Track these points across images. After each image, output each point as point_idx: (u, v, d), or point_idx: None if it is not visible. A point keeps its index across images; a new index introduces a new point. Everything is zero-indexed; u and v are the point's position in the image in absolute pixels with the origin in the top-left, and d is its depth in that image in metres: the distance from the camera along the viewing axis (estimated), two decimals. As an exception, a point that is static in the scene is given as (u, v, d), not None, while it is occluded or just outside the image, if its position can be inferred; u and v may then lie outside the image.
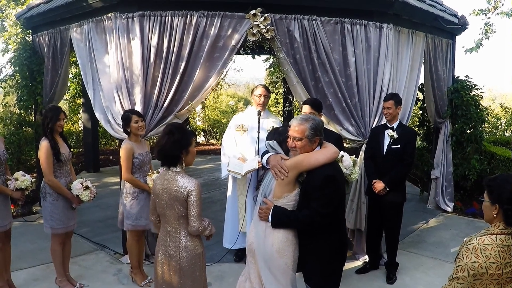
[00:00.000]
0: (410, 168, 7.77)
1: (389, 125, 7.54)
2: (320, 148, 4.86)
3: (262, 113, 7.90)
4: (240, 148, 7.99)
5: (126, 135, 7.17)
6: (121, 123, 7.21)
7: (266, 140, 5.16)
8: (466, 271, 3.47)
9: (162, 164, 4.85)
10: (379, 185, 7.37)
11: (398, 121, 7.58)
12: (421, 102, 11.72)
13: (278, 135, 5.19)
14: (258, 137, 7.74)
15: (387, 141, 7.48)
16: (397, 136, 7.36)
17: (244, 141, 7.99)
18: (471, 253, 3.48)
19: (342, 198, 4.98)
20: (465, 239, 3.73)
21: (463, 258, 3.52)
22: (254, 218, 5.03)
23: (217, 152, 19.25)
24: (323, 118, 7.73)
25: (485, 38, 12.96)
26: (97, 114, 8.55)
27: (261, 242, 4.81)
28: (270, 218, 4.75)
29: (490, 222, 3.68)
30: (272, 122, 8.03)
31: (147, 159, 7.21)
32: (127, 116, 7.00)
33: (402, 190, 7.61)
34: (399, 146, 7.38)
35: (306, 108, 7.04)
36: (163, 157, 4.77)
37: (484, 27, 12.66)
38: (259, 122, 7.79)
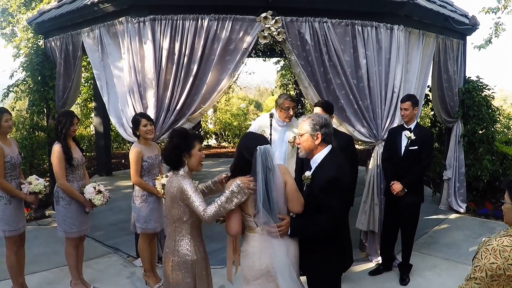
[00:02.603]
0: (427, 169, 7.78)
1: (406, 126, 7.52)
2: (331, 146, 4.85)
3: (288, 122, 8.07)
4: None
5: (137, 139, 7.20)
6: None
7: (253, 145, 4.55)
8: (484, 272, 3.46)
9: (169, 169, 4.90)
10: (397, 187, 7.36)
11: (415, 122, 7.55)
12: (432, 103, 11.67)
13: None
14: (271, 139, 7.77)
15: (404, 142, 7.46)
16: (414, 137, 7.34)
17: None
18: (490, 254, 3.47)
19: (348, 199, 4.97)
20: (483, 239, 3.71)
21: (481, 258, 3.50)
22: (263, 241, 4.64)
23: (229, 155, 19.24)
24: (335, 120, 7.74)
25: (495, 36, 12.93)
26: (111, 118, 8.60)
27: (285, 259, 4.65)
28: (289, 231, 4.66)
29: (510, 224, 3.66)
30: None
31: (156, 163, 7.23)
32: (136, 120, 7.04)
33: (419, 191, 7.61)
34: (416, 147, 7.35)
35: (317, 110, 7.03)
36: (165, 161, 4.85)
37: (494, 26, 12.62)
38: (271, 125, 7.81)
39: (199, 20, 7.62)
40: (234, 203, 4.39)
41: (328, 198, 4.54)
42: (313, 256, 4.85)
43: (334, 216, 4.58)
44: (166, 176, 6.76)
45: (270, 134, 7.79)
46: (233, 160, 4.67)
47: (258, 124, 8.33)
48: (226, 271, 5.08)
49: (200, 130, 18.87)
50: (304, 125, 4.82)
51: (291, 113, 7.96)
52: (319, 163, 4.78)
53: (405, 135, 7.45)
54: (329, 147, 4.83)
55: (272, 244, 4.59)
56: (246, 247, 4.67)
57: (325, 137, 4.79)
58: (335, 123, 7.69)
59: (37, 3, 17.77)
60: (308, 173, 4.82)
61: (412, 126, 7.50)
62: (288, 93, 10.62)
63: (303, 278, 5.01)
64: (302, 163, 7.25)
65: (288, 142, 8.07)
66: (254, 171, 4.44)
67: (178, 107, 7.76)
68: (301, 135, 4.84)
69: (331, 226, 4.63)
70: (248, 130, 8.45)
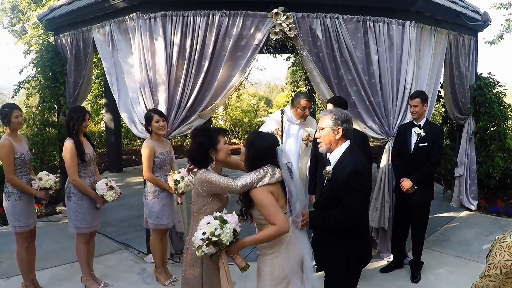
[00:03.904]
0: (437, 165, 7.73)
1: (416, 123, 7.49)
2: (350, 142, 4.87)
3: (303, 121, 8.07)
4: None
5: (149, 135, 7.21)
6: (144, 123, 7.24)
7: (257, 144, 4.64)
8: (498, 269, 3.43)
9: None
10: (407, 184, 7.33)
11: (425, 118, 7.52)
12: (443, 100, 11.61)
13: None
14: (281, 140, 7.77)
15: (414, 139, 7.42)
16: (424, 134, 7.32)
17: None
18: (504, 251, 3.44)
19: (369, 194, 4.97)
20: (497, 236, 3.68)
21: (496, 255, 3.47)
22: (292, 234, 4.62)
23: (239, 152, 19.27)
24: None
25: (506, 32, 12.88)
26: (122, 114, 8.62)
27: (310, 250, 4.78)
28: (309, 224, 4.74)
29: None
30: (311, 129, 8.06)
31: (168, 159, 7.25)
32: (149, 115, 7.06)
33: (429, 188, 7.57)
34: (426, 144, 7.32)
35: (330, 107, 7.01)
36: (192, 162, 4.89)
37: (506, 22, 12.58)
38: (282, 121, 7.79)
39: (210, 16, 7.61)
40: (264, 182, 4.39)
41: (349, 192, 4.59)
42: (333, 251, 4.88)
43: (355, 209, 4.61)
44: (179, 172, 6.81)
45: (282, 131, 7.78)
46: (249, 159, 4.59)
47: (273, 120, 8.30)
48: None
49: (210, 126, 18.90)
50: (325, 119, 4.83)
51: (307, 113, 7.95)
52: (339, 158, 4.80)
53: (415, 132, 7.42)
54: (348, 142, 4.87)
55: (299, 236, 4.64)
56: (274, 246, 4.58)
57: (345, 132, 4.83)
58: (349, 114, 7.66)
59: (47, 0, 17.83)
60: (329, 168, 4.82)
61: (422, 122, 7.48)
62: (305, 92, 10.55)
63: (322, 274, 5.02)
64: (316, 160, 7.25)
65: (302, 140, 8.07)
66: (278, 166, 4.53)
67: (189, 104, 7.76)
68: (321, 129, 4.86)
69: (351, 220, 4.65)
70: (262, 126, 8.43)
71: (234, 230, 4.38)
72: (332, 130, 4.78)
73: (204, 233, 4.30)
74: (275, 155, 4.51)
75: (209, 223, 4.37)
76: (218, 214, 4.47)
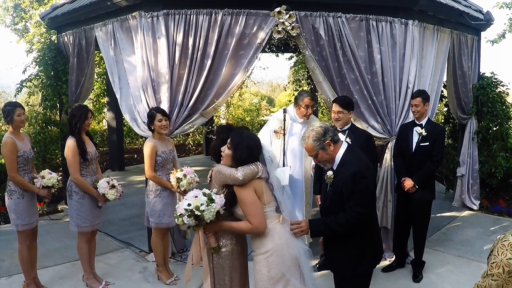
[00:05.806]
0: (439, 165, 7.72)
1: (417, 122, 7.47)
2: (345, 143, 4.89)
3: (306, 120, 7.95)
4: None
5: (151, 133, 7.20)
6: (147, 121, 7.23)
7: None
8: (501, 268, 3.42)
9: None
10: (408, 183, 7.33)
11: (427, 118, 7.51)
12: (446, 99, 11.59)
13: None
14: (284, 139, 7.74)
15: (415, 138, 7.41)
16: (425, 133, 7.30)
17: (277, 146, 7.94)
18: (507, 249, 3.43)
19: (374, 194, 4.95)
20: (498, 236, 3.67)
21: (498, 254, 3.46)
22: (285, 229, 4.69)
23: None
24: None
25: (509, 32, 12.85)
26: (124, 113, 8.60)
27: (305, 247, 4.78)
28: (310, 231, 4.75)
29: None
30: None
31: (170, 157, 7.25)
32: (152, 114, 7.06)
33: (431, 188, 7.56)
34: (428, 143, 7.31)
35: (335, 107, 7.02)
36: (216, 159, 4.99)
37: (509, 21, 12.55)
38: (284, 120, 7.77)
39: (213, 14, 7.60)
40: (255, 175, 4.49)
41: (351, 195, 4.57)
42: (344, 253, 4.87)
43: (357, 213, 4.57)
44: (181, 170, 6.81)
45: (284, 129, 7.76)
46: (239, 158, 4.59)
47: (276, 119, 8.26)
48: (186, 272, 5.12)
49: (213, 125, 18.90)
50: (310, 146, 4.81)
51: (310, 111, 7.89)
52: (339, 162, 4.78)
53: (416, 131, 7.41)
54: (344, 145, 4.86)
55: (293, 236, 4.68)
56: (268, 245, 4.58)
57: (334, 139, 4.79)
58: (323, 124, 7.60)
59: (49, -2, 17.85)
60: (329, 173, 4.82)
61: (423, 122, 7.47)
62: (308, 90, 10.50)
63: (323, 273, 5.02)
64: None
65: None
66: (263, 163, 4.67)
67: (191, 102, 7.75)
68: (315, 156, 4.84)
69: (354, 224, 4.62)
70: (264, 126, 8.41)
71: (218, 212, 4.48)
72: (323, 149, 4.75)
73: (189, 205, 4.41)
74: (261, 151, 4.67)
75: (196, 196, 4.47)
76: (207, 191, 4.57)
